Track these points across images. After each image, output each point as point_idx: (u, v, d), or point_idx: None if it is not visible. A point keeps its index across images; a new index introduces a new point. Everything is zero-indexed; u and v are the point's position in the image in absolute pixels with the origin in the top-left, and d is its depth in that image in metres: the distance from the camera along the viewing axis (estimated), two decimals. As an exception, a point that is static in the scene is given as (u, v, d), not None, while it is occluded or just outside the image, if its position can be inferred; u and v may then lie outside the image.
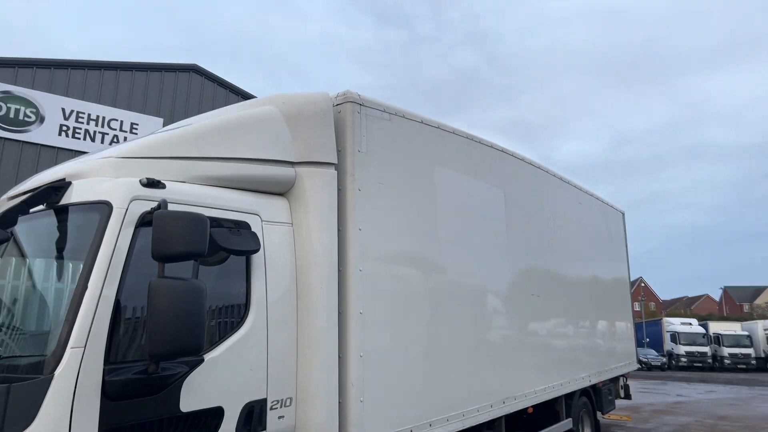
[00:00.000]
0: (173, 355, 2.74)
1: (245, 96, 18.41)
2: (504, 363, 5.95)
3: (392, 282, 4.56)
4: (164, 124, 14.59)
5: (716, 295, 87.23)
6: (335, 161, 4.21)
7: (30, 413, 2.58)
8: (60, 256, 3.17)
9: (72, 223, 3.14)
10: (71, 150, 14.86)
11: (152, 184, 3.19)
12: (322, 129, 4.18)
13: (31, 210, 3.15)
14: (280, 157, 4.04)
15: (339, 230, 4.13)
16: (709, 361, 36.26)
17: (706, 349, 36.63)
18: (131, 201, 3.07)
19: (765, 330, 37.21)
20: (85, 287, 2.80)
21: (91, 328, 2.74)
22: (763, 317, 47.68)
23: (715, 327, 39.23)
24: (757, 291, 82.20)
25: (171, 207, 3.03)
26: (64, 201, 3.17)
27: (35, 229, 3.19)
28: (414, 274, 4.83)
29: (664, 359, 37.56)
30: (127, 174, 3.27)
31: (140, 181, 3.17)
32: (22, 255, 3.39)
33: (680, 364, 36.13)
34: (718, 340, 37.02)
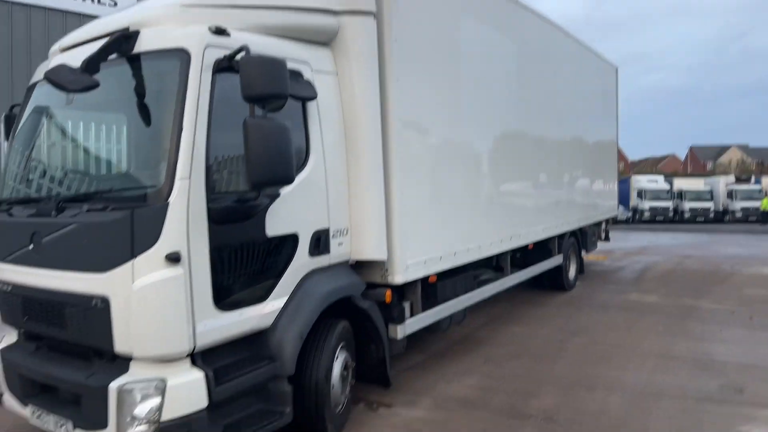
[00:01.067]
0: (272, 182, 3.15)
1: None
2: (512, 207, 6.69)
3: (426, 131, 5.00)
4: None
5: (683, 154, 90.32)
6: (374, 10, 4.34)
7: (154, 234, 3.03)
8: (146, 102, 3.41)
9: (152, 69, 3.34)
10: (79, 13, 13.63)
11: (220, 32, 3.36)
12: (361, -23, 4.26)
13: (109, 58, 3.33)
14: (324, 6, 4.16)
15: (379, 80, 4.40)
16: (670, 215, 38.71)
17: (668, 204, 38.89)
18: (205, 48, 3.26)
19: (726, 185, 39.36)
20: (181, 128, 3.11)
21: (192, 163, 3.11)
22: (724, 174, 50.19)
23: (680, 183, 41.26)
24: (722, 150, 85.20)
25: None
26: (137, 49, 3.34)
27: (116, 76, 3.39)
28: (444, 125, 5.27)
29: (629, 214, 39.89)
30: (190, 22, 3.41)
31: (209, 28, 3.33)
32: (111, 101, 3.60)
33: (643, 218, 38.54)
34: (680, 195, 39.14)
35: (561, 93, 8.14)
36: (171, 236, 3.05)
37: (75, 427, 3.34)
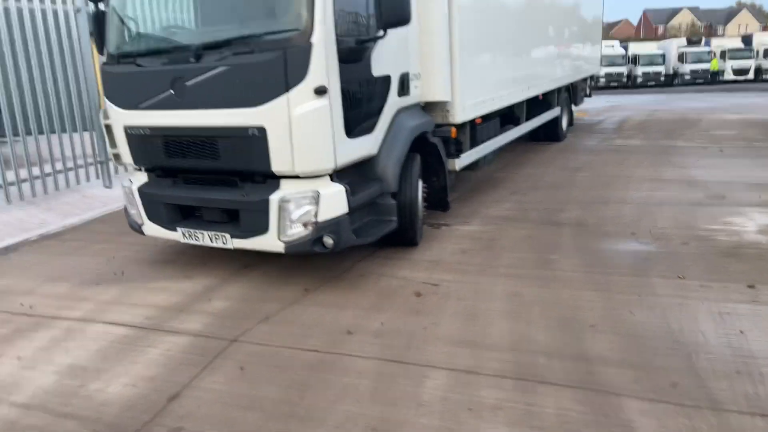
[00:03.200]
0: (399, 22, 3.79)
1: None
2: (530, 62, 7.71)
3: (480, 11, 5.83)
4: None
5: (635, 19, 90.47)
6: None
7: (303, 70, 3.67)
8: None
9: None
10: None
11: None
12: None
13: None
14: None
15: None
16: (624, 80, 39.93)
17: (623, 69, 39.94)
18: None
19: (678, 48, 40.42)
20: None
21: (325, 9, 3.68)
22: (675, 37, 51.18)
23: (635, 48, 42.03)
24: (674, 12, 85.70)
25: None
26: None
27: None
28: (493, 9, 6.18)
29: (587, 80, 40.88)
30: None
31: None
32: None
33: (598, 84, 39.67)
34: (635, 60, 40.10)
35: None
36: (316, 72, 3.70)
37: (232, 237, 4.19)
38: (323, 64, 3.71)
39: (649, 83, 37.80)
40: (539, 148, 9.49)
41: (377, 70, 4.32)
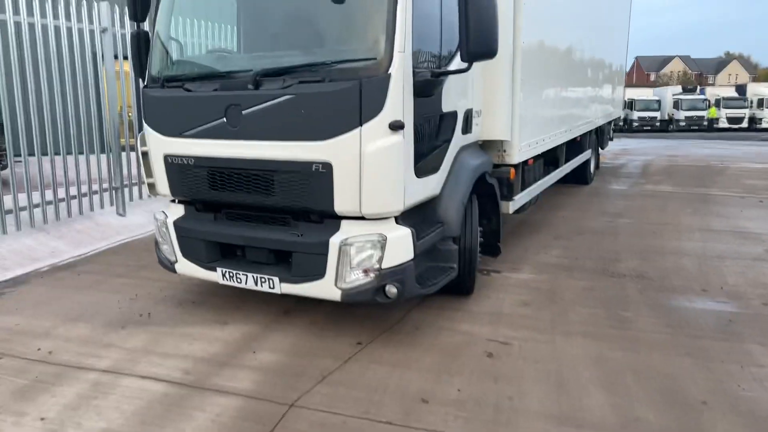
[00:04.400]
0: (485, 55, 3.44)
1: None
2: (571, 105, 7.53)
3: (538, 43, 5.65)
4: None
5: (627, 65, 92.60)
6: None
7: (379, 103, 3.31)
8: None
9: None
10: None
11: None
12: None
13: None
14: None
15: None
16: (621, 123, 40.47)
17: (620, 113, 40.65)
18: None
19: (673, 95, 41.16)
20: (395, 4, 3.31)
21: (405, 38, 3.35)
22: (667, 85, 52.25)
23: (631, 93, 42.76)
24: (665, 60, 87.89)
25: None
26: None
27: None
28: (546, 40, 5.98)
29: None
30: None
31: None
32: None
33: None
34: (631, 104, 40.70)
35: (602, 9, 8.72)
36: (393, 105, 3.34)
37: (281, 281, 3.76)
38: (400, 97, 3.36)
39: (645, 128, 38.29)
40: (569, 190, 9.20)
41: (447, 105, 3.99)
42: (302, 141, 3.48)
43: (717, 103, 37.26)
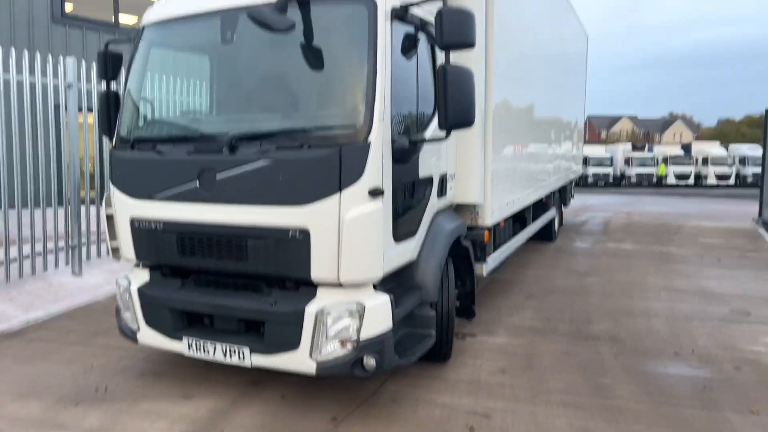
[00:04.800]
0: (463, 124, 3.44)
1: None
2: (538, 167, 7.70)
3: (508, 108, 5.83)
4: None
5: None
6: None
7: (358, 170, 3.27)
8: (335, 46, 3.54)
9: (338, 15, 3.49)
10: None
11: None
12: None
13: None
14: None
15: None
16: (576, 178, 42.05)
17: (577, 168, 42.27)
18: None
19: (625, 152, 43.10)
20: (375, 73, 3.33)
21: (384, 106, 3.36)
22: (617, 142, 54.86)
23: (585, 150, 44.62)
24: (614, 119, 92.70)
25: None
26: None
27: (302, 20, 3.46)
28: (515, 103, 6.20)
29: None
30: None
31: None
32: (301, 43, 3.60)
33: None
34: (585, 160, 42.40)
35: (562, 71, 9.09)
36: (373, 172, 3.31)
37: (252, 352, 3.57)
38: (379, 164, 3.34)
39: (599, 183, 39.61)
40: (535, 247, 9.30)
41: (423, 170, 3.99)
42: (279, 206, 3.39)
43: (665, 161, 39.11)
